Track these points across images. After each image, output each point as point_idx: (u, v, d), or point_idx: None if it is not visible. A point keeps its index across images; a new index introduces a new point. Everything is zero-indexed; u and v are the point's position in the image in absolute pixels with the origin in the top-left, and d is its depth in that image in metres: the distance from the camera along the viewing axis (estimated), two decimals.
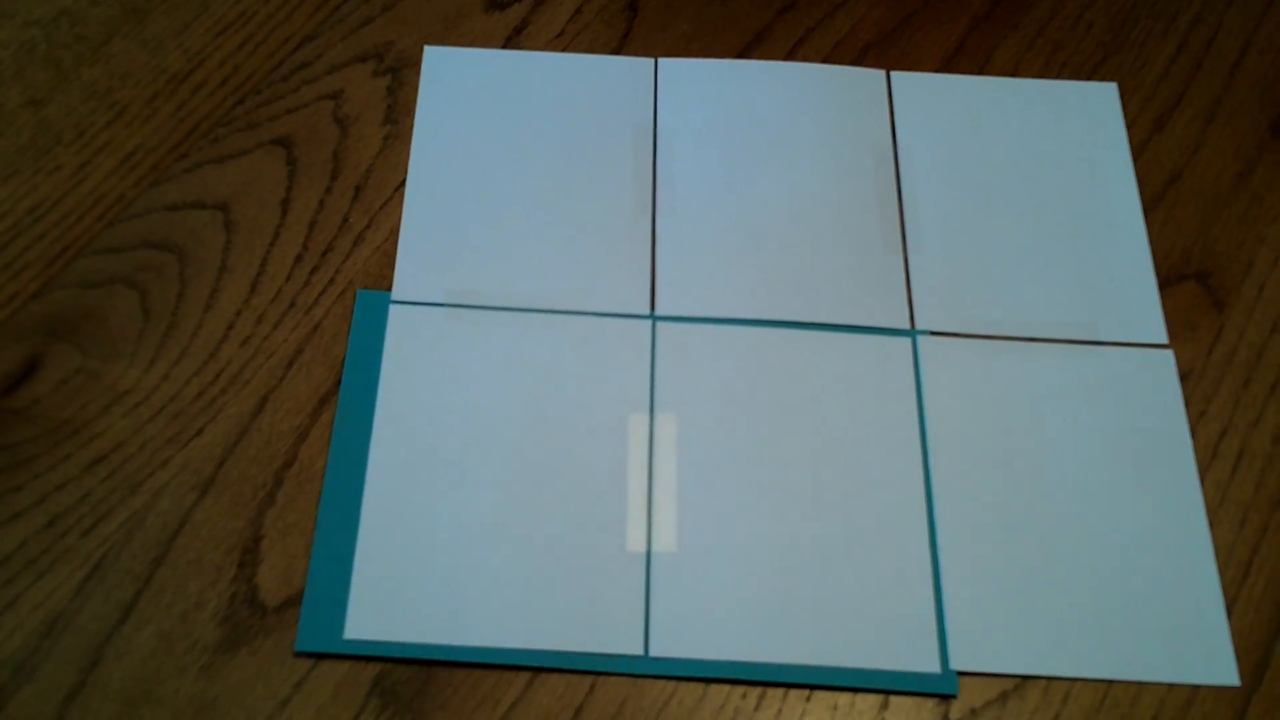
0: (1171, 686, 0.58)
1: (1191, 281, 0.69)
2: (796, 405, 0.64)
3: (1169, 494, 0.62)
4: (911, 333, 0.66)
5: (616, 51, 0.74)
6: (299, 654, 0.56)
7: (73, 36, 0.72)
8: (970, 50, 0.75)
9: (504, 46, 0.74)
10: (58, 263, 0.65)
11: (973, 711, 0.57)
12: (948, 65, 0.75)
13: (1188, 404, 0.65)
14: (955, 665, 0.58)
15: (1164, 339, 0.67)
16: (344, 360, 0.63)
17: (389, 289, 0.65)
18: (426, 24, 0.74)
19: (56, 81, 0.70)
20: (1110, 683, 0.58)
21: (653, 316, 0.66)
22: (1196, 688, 0.58)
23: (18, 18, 0.72)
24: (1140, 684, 0.58)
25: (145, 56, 0.72)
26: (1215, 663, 0.58)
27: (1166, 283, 0.68)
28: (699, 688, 0.57)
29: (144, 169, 0.68)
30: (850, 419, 0.64)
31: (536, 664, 0.57)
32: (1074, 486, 0.62)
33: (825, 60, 0.74)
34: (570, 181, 0.69)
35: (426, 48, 0.73)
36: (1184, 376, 0.65)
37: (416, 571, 0.58)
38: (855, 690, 0.57)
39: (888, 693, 0.57)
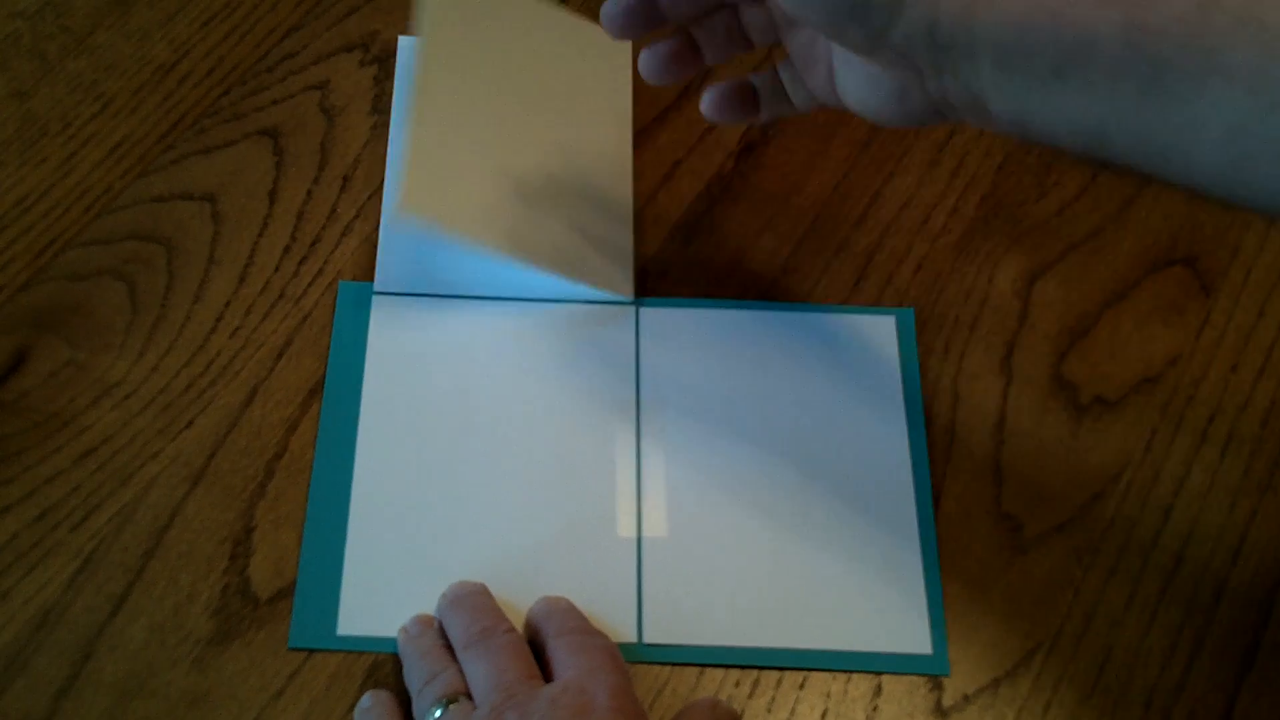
0: (1163, 669, 0.58)
1: (1179, 266, 0.69)
2: (783, 386, 0.64)
3: None
4: (895, 310, 0.66)
5: None
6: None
7: (57, 28, 0.71)
8: None
9: None
10: (45, 255, 0.65)
11: (965, 698, 0.57)
12: None
13: (1176, 388, 0.65)
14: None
15: None
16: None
17: None
18: (411, 13, 0.74)
19: (42, 73, 0.70)
20: (1102, 669, 0.58)
21: (636, 301, 0.66)
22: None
23: (2, 9, 0.72)
24: (1130, 671, 0.58)
25: (130, 48, 0.71)
26: None
27: (1155, 268, 0.69)
28: (693, 674, 0.57)
29: (130, 160, 0.68)
30: (837, 399, 0.64)
31: None
32: None
33: None
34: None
35: (400, 38, 0.73)
36: (1171, 361, 0.66)
37: (407, 563, 0.58)
38: (849, 673, 0.58)
39: (880, 674, 0.57)
